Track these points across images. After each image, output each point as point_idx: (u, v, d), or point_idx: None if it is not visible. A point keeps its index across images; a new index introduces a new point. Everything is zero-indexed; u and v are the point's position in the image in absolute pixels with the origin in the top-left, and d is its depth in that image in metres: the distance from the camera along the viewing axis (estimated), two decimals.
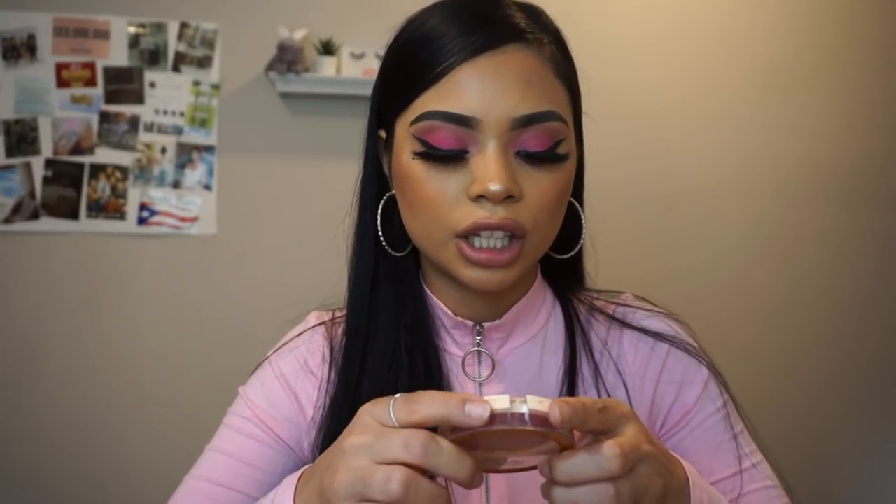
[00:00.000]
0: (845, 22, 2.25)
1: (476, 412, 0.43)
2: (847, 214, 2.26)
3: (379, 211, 0.67)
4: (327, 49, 2.01)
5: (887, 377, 2.28)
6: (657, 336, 0.70)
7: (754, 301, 2.23)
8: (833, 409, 2.25)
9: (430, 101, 0.59)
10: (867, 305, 2.28)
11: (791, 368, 2.24)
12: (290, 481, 0.53)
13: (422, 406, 0.44)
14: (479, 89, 0.57)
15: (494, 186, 0.56)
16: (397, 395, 0.46)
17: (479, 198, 0.58)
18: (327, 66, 2.01)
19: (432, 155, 0.59)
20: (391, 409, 0.45)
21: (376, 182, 0.68)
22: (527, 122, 0.58)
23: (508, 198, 0.57)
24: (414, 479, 0.43)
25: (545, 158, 0.59)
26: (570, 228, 0.68)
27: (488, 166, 0.57)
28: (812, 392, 2.25)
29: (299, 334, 0.74)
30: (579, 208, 0.69)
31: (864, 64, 2.26)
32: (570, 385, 0.67)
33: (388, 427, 0.45)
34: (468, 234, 0.59)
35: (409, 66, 0.61)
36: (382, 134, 0.67)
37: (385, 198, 0.67)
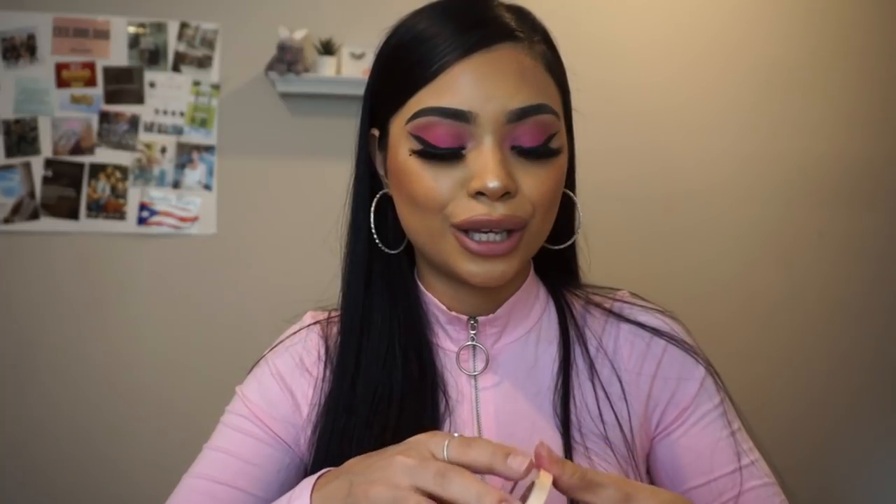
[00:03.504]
0: (845, 22, 2.25)
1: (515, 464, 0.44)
2: (846, 215, 2.27)
3: (372, 209, 0.68)
4: (327, 49, 2.01)
5: (887, 377, 2.29)
6: (654, 332, 0.70)
7: (753, 302, 2.23)
8: (833, 409, 2.25)
9: (425, 98, 0.60)
10: (866, 306, 2.28)
11: (790, 369, 2.25)
12: (308, 483, 0.52)
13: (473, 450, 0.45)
14: (474, 85, 0.58)
15: (492, 183, 0.57)
16: (456, 435, 0.47)
17: (477, 194, 0.58)
18: (327, 66, 2.01)
19: (430, 153, 0.60)
20: (445, 445, 0.46)
21: (369, 181, 0.69)
22: (522, 114, 0.59)
23: (505, 194, 0.58)
24: None
25: (539, 153, 0.60)
26: (563, 221, 0.69)
27: (486, 162, 0.58)
28: (812, 392, 2.25)
29: (295, 332, 0.74)
30: (574, 198, 0.70)
31: (864, 64, 2.26)
32: (565, 378, 0.68)
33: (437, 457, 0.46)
34: (467, 229, 0.59)
35: (404, 65, 0.62)
36: (375, 133, 0.68)
37: (378, 196, 0.68)
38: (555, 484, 0.45)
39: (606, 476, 0.46)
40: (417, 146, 0.60)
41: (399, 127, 0.62)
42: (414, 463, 0.45)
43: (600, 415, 0.66)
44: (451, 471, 0.43)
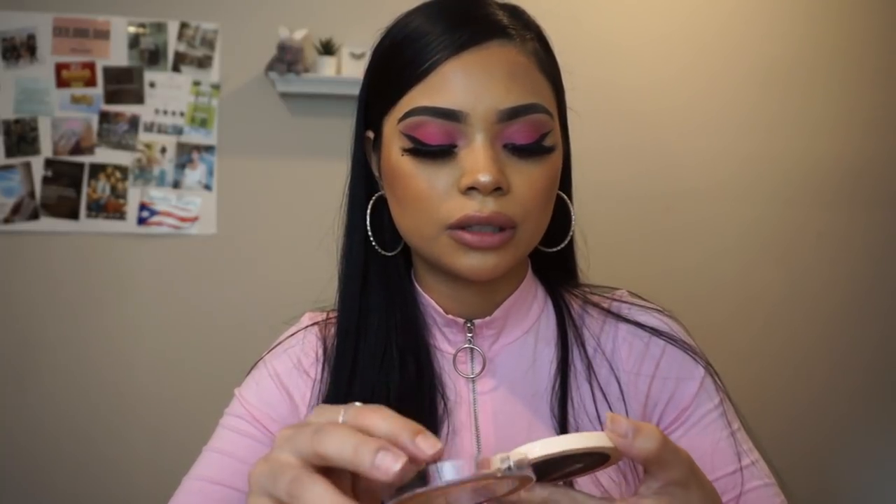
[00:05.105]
0: (845, 22, 2.25)
1: (392, 466, 0.34)
2: (845, 215, 2.27)
3: (368, 211, 0.68)
4: (327, 49, 2.01)
5: (886, 377, 2.29)
6: (653, 332, 0.70)
7: (753, 302, 2.23)
8: (832, 409, 2.26)
9: (416, 97, 0.60)
10: (866, 306, 2.28)
11: (790, 369, 2.25)
12: None
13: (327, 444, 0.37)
14: (465, 83, 0.58)
15: (484, 177, 0.57)
16: (314, 422, 0.40)
17: (469, 190, 0.59)
18: (327, 66, 2.01)
19: (421, 150, 0.60)
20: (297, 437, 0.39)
21: (365, 183, 0.69)
22: (513, 114, 0.59)
23: (497, 190, 0.58)
24: None
25: (532, 151, 0.60)
26: (560, 222, 0.69)
27: (477, 158, 0.58)
28: (811, 392, 2.25)
29: (292, 334, 0.74)
30: (568, 201, 0.70)
31: (863, 64, 2.26)
32: (563, 379, 0.67)
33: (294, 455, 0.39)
34: (460, 227, 0.59)
35: (395, 65, 0.62)
36: (370, 135, 0.68)
37: (374, 198, 0.68)
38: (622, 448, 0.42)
39: (679, 453, 0.44)
40: (409, 144, 0.60)
41: (391, 126, 0.62)
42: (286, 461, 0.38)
43: (598, 416, 0.66)
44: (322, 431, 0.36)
